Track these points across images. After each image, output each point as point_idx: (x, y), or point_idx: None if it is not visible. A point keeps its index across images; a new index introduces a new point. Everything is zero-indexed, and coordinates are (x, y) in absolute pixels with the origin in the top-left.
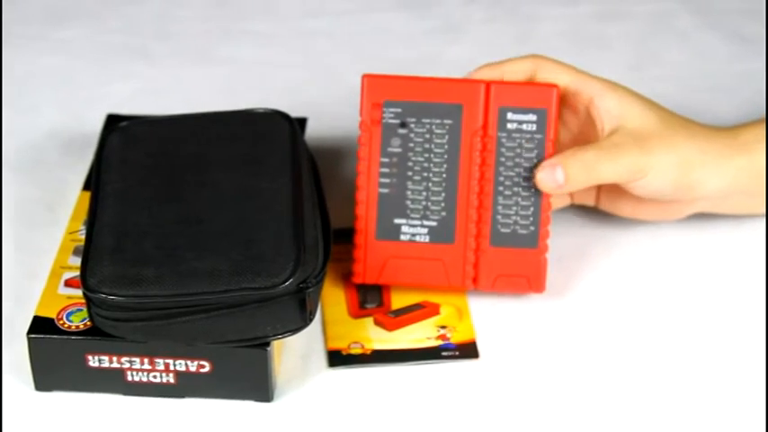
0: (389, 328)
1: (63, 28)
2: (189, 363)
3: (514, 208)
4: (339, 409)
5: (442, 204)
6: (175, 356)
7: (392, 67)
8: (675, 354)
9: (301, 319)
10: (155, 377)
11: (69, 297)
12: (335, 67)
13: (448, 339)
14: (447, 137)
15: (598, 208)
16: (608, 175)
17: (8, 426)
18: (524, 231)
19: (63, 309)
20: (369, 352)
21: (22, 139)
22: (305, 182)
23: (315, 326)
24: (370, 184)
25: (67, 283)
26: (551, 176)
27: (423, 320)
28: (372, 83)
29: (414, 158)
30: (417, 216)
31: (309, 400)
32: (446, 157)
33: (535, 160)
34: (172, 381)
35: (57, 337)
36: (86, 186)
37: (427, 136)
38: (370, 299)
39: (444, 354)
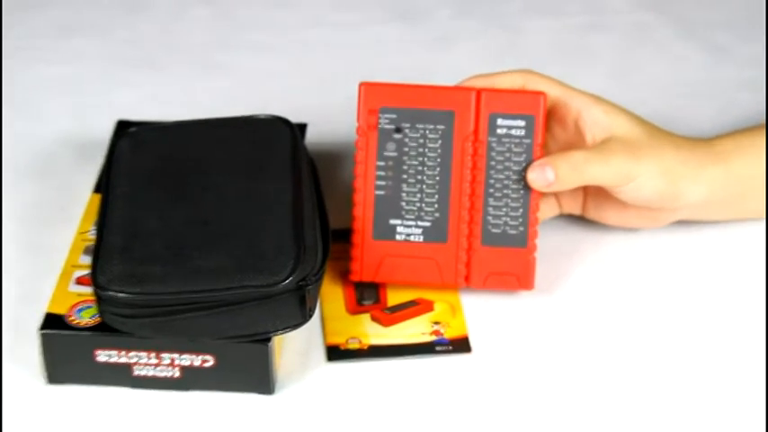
0: (385, 323)
1: (72, 39)
2: (193, 357)
3: (504, 209)
4: (337, 401)
5: (436, 206)
6: (180, 351)
7: (388, 75)
8: (663, 349)
9: (301, 316)
10: (161, 371)
11: (80, 294)
12: (334, 75)
13: (441, 335)
14: (440, 141)
15: (584, 216)
16: (597, 175)
17: (22, 417)
18: (514, 231)
19: (74, 306)
20: (366, 347)
21: (36, 146)
22: (305, 184)
23: (314, 322)
24: (367, 187)
25: (78, 281)
26: (542, 175)
27: (417, 317)
28: (369, 90)
29: (408, 162)
30: (412, 217)
31: (309, 393)
32: (439, 160)
33: (524, 164)
34: (177, 375)
35: (67, 333)
36: (97, 189)
37: (421, 141)
38: (366, 296)
39: (438, 348)
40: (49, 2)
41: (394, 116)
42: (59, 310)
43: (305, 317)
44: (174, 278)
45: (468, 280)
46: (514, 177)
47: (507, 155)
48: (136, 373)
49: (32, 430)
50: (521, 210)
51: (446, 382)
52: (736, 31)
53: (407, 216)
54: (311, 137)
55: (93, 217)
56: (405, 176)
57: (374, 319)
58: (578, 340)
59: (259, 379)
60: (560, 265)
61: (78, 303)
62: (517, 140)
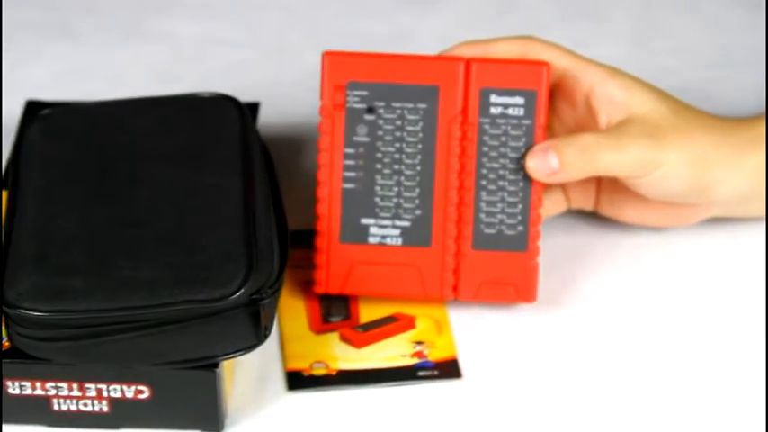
0: (358, 344)
1: None
2: (125, 388)
3: (500, 205)
4: None
5: (417, 201)
6: (109, 381)
7: (357, 43)
8: (693, 379)
9: (255, 336)
10: (85, 405)
11: None
12: (291, 43)
13: (425, 357)
14: (421, 123)
15: (597, 213)
16: (611, 164)
17: None
18: (511, 232)
19: None
20: (334, 372)
21: None
22: (257, 177)
23: (271, 343)
24: (333, 179)
25: None
26: (544, 163)
27: (396, 335)
28: (334, 61)
29: (383, 149)
30: (388, 215)
31: (266, 430)
32: (420, 146)
33: (523, 149)
34: (105, 409)
35: None
36: (3, 184)
37: (398, 123)
38: (334, 311)
39: (421, 374)
40: None
41: (365, 93)
42: None
43: (259, 337)
44: (98, 292)
45: (457, 291)
46: (512, 166)
47: (503, 139)
48: (56, 407)
49: None
50: (520, 205)
51: (431, 414)
52: None
53: (382, 214)
54: (265, 119)
55: None
56: (379, 166)
57: (344, 338)
58: (589, 364)
59: (205, 413)
60: (568, 272)
61: None
62: (515, 121)
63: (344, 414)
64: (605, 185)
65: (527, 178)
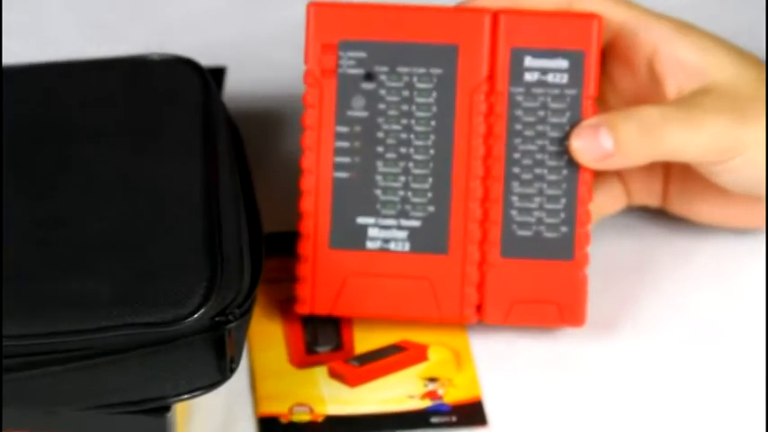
0: (352, 382)
1: None
2: None
3: (537, 199)
4: None
5: (429, 195)
6: (30, 430)
7: None
8: None
9: (218, 371)
10: None
11: None
12: None
13: (440, 398)
14: (435, 94)
15: (666, 210)
16: (682, 146)
17: None
18: (553, 234)
19: None
20: (320, 419)
21: None
22: (223, 163)
23: (239, 380)
24: (321, 166)
25: None
26: (595, 144)
27: (402, 370)
28: (322, 14)
29: (386, 127)
30: (392, 213)
31: None
32: (434, 124)
33: (567, 127)
34: None
35: None
36: None
37: (406, 93)
38: (321, 339)
39: (435, 420)
40: None
41: (362, 54)
42: None
43: (224, 372)
44: (15, 314)
45: (482, 312)
46: (552, 149)
47: (541, 114)
48: None
49: None
50: (563, 200)
51: None
52: None
53: (385, 211)
54: (233, 88)
55: None
56: (380, 149)
57: (334, 374)
58: (653, 409)
59: None
60: (626, 287)
61: None
62: (557, 91)
63: None
64: (675, 175)
65: (572, 164)
